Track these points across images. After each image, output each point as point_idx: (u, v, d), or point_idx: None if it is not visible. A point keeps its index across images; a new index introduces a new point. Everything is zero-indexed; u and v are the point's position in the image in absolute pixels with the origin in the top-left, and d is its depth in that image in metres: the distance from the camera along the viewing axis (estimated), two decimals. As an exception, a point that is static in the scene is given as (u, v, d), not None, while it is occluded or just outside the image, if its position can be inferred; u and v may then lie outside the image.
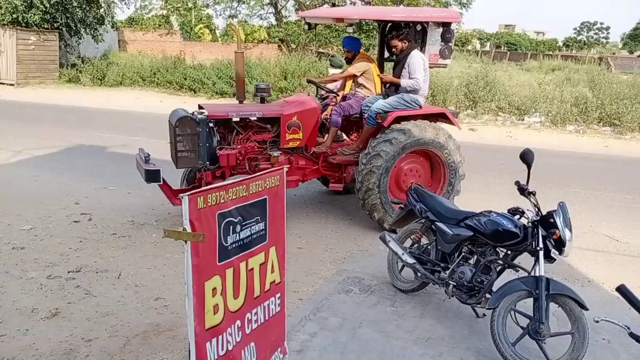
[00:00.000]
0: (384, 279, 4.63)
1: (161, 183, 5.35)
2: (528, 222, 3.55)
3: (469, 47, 52.93)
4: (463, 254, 3.91)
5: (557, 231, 3.35)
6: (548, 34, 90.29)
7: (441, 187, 5.93)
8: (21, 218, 5.88)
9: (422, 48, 5.85)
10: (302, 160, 6.09)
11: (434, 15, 6.00)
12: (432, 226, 4.13)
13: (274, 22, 22.49)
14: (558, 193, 7.65)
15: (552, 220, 3.40)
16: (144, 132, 11.03)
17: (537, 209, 3.52)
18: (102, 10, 22.27)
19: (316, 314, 4.01)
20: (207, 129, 5.52)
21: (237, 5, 21.44)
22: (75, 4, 19.92)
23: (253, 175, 2.63)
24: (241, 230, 2.50)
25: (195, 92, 18.37)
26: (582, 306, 3.30)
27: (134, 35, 30.84)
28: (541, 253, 3.41)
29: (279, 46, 22.85)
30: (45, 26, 19.90)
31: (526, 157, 3.57)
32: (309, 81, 6.78)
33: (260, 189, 2.63)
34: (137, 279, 4.50)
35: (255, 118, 5.85)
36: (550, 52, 52.72)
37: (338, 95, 6.53)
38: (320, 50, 22.20)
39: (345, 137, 6.85)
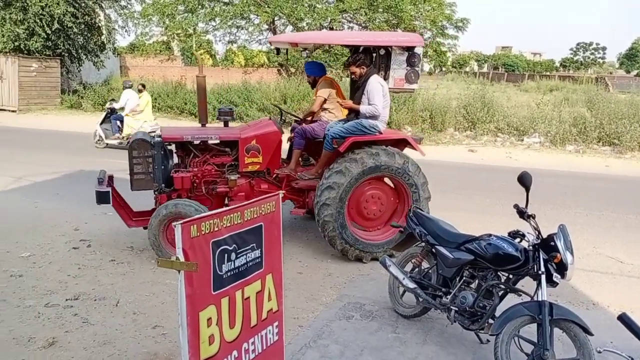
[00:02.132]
0: (386, 304, 4.57)
1: (110, 204, 5.44)
2: (529, 246, 3.51)
3: (467, 69, 53.45)
4: (464, 278, 3.86)
5: (558, 255, 3.31)
6: (545, 55, 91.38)
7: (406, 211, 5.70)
8: (20, 245, 5.85)
9: (386, 73, 5.74)
10: (264, 184, 5.96)
11: (393, 40, 5.90)
12: (433, 250, 4.09)
13: (273, 47, 22.83)
14: (559, 214, 7.61)
15: (552, 243, 3.36)
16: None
17: (537, 232, 3.48)
18: (103, 37, 22.58)
19: (317, 342, 3.95)
20: (162, 152, 5.56)
21: (236, 31, 21.70)
22: (76, 30, 20.20)
23: (248, 202, 2.62)
24: (236, 258, 2.48)
25: (195, 117, 18.45)
26: (587, 331, 3.24)
27: (135, 61, 31.19)
28: (543, 277, 3.36)
29: (278, 70, 23.09)
30: (47, 53, 20.14)
31: (524, 180, 3.55)
32: (274, 105, 6.75)
33: (255, 216, 2.62)
34: (135, 307, 4.45)
35: (211, 141, 5.87)
36: (548, 73, 53.23)
37: (300, 118, 6.49)
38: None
39: (313, 160, 6.71)
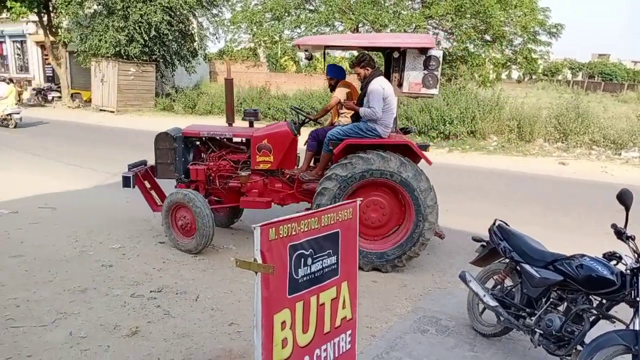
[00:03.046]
0: (463, 321, 4.38)
1: (131, 188, 6.11)
2: (626, 269, 3.21)
3: (559, 77, 50.58)
4: (551, 299, 3.61)
5: (660, 281, 3.01)
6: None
7: (408, 222, 5.44)
8: (112, 237, 6.25)
9: (401, 76, 5.51)
10: (278, 183, 6.10)
11: (401, 42, 5.68)
12: (517, 267, 3.87)
13: (356, 54, 22.85)
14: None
15: (654, 268, 3.06)
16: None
17: (636, 255, 3.18)
18: (195, 43, 23.79)
19: (389, 353, 3.86)
20: (183, 145, 6.15)
21: (320, 37, 22.00)
22: (171, 37, 21.43)
23: (325, 208, 2.60)
24: (312, 263, 2.47)
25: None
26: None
27: (223, 67, 32.54)
28: (642, 304, 3.06)
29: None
30: (144, 58, 21.53)
31: (624, 198, 3.27)
32: (292, 108, 6.69)
33: (332, 222, 2.60)
34: (213, 303, 4.59)
35: (225, 138, 6.17)
36: (652, 82, 49.07)
37: (311, 118, 6.39)
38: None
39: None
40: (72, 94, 24.16)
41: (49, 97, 24.15)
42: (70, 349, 3.75)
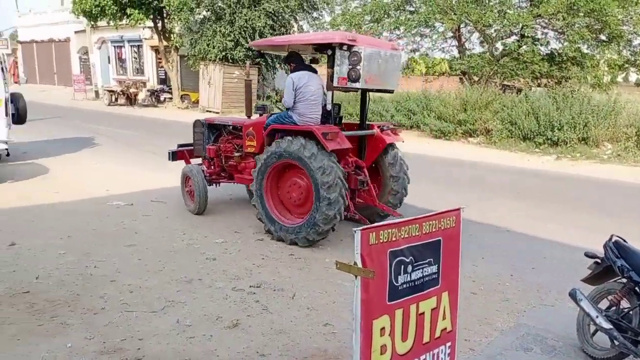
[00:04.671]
0: (572, 342, 4.08)
1: (171, 161, 7.99)
2: None
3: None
4: (678, 327, 3.26)
5: None
6: None
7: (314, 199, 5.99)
8: (216, 232, 6.60)
9: (332, 71, 6.01)
10: None
11: (312, 38, 7.02)
12: (636, 288, 3.53)
13: (457, 55, 22.10)
14: None
15: None
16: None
17: None
18: (295, 46, 24.42)
19: (487, 368, 3.69)
20: (207, 130, 7.74)
21: (419, 39, 21.59)
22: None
23: (427, 215, 2.54)
24: (413, 271, 2.43)
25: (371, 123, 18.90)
26: None
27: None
28: None
29: (460, 79, 22.38)
30: (248, 62, 22.51)
31: None
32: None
33: (434, 229, 2.54)
34: (309, 302, 4.68)
35: (231, 126, 7.48)
36: None
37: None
38: (506, 82, 21.12)
39: None
40: (181, 95, 25.90)
41: (161, 98, 26.08)
42: (177, 336, 4.00)
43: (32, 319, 4.22)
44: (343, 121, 7.19)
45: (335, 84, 6.04)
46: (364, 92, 6.79)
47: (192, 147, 8.01)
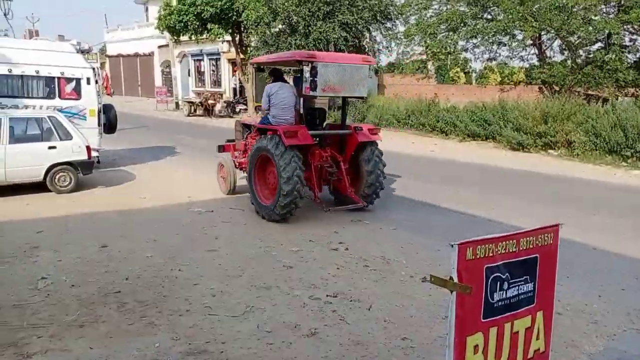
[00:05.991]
0: (673, 372, 3.77)
1: (218, 152, 9.55)
2: None
3: None
4: None
5: None
6: None
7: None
8: (291, 240, 6.72)
9: (302, 82, 7.41)
10: None
11: (279, 57, 8.74)
12: None
13: (537, 63, 21.17)
14: None
15: None
16: (395, 169, 11.45)
17: None
18: (369, 58, 24.44)
19: (579, 395, 3.48)
20: (242, 129, 9.21)
21: (497, 48, 20.91)
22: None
23: (524, 231, 2.45)
24: (508, 288, 2.35)
25: (446, 135, 18.49)
26: None
27: (392, 79, 32.93)
28: None
29: (539, 88, 21.43)
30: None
31: None
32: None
33: (531, 246, 2.44)
34: (386, 314, 4.63)
35: (252, 125, 8.79)
36: None
37: None
38: (590, 92, 19.97)
39: None
40: (255, 107, 26.66)
41: (237, 109, 26.97)
42: (257, 341, 4.10)
43: (122, 318, 4.48)
44: (330, 123, 9.10)
45: (304, 92, 7.42)
46: (344, 99, 8.22)
47: (234, 142, 9.55)
